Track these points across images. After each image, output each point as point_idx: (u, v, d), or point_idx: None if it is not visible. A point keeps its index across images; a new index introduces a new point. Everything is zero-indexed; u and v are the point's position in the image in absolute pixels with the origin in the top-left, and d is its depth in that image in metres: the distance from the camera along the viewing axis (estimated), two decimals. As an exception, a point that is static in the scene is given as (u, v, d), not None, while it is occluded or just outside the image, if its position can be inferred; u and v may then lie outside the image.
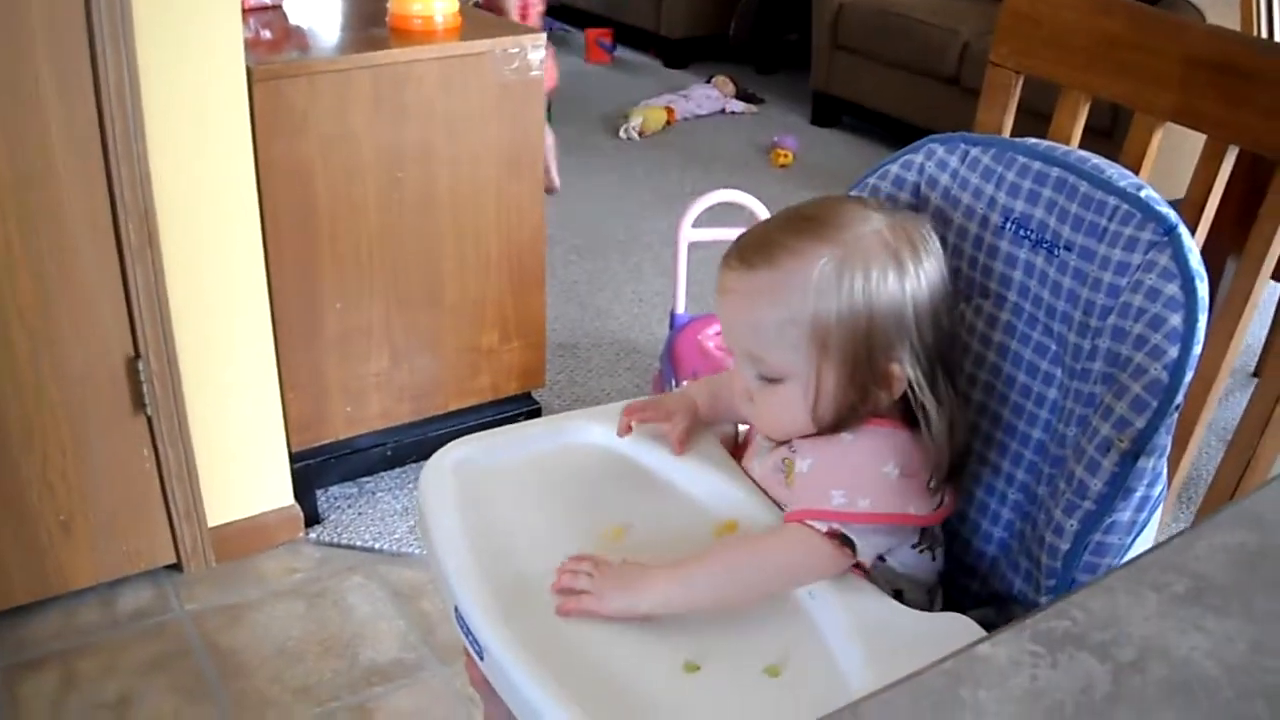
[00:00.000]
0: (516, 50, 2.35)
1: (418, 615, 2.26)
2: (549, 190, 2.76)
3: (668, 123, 5.13)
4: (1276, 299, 2.95)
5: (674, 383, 2.55)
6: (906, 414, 1.17)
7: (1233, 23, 2.61)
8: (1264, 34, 2.58)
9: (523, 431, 1.42)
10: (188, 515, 2.27)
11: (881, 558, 1.17)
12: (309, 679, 2.10)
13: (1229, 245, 1.58)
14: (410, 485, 2.61)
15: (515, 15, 3.15)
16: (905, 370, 1.15)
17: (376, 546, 2.44)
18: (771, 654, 1.08)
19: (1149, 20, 1.46)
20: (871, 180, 1.30)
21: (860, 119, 5.20)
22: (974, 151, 1.23)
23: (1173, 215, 1.08)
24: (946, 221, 1.24)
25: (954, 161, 1.25)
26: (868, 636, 1.08)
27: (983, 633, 1.04)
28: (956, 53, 4.47)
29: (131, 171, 1.95)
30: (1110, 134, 3.43)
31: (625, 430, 1.34)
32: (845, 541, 1.12)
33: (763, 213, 2.48)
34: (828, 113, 5.28)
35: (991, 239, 1.21)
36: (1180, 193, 1.47)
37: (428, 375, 2.54)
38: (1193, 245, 1.07)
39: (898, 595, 1.16)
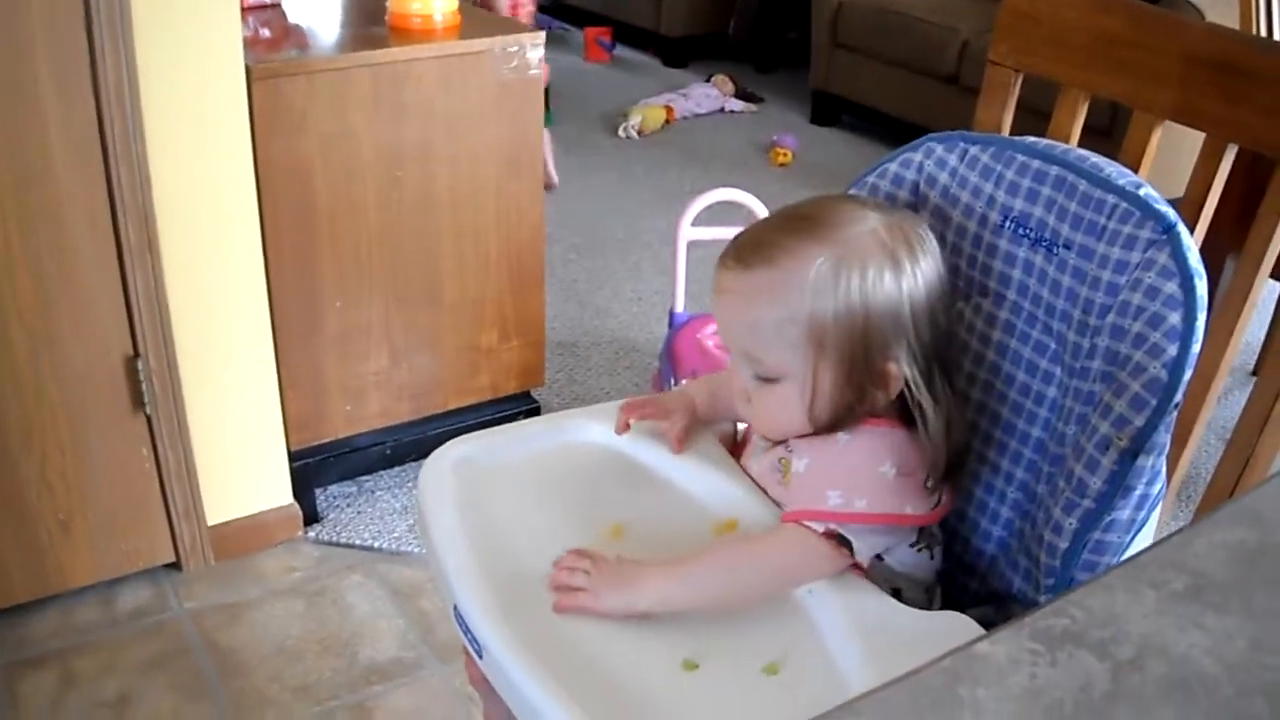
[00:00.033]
0: (516, 49, 2.35)
1: (417, 614, 2.26)
2: (547, 187, 2.76)
3: (667, 121, 5.13)
4: (1276, 297, 2.95)
5: (673, 381, 2.55)
6: (904, 413, 1.17)
7: (1232, 21, 2.61)
8: (1263, 32, 2.58)
9: (522, 430, 1.42)
10: (187, 514, 2.27)
11: (879, 557, 1.17)
12: (308, 678, 2.10)
13: (1228, 244, 1.58)
14: (409, 484, 2.61)
15: (505, 14, 3.15)
16: (902, 370, 1.14)
17: (376, 545, 2.44)
18: (770, 652, 1.08)
19: (1148, 18, 1.46)
20: (871, 179, 1.30)
21: (859, 118, 5.20)
22: (973, 150, 1.23)
23: (1171, 213, 1.08)
24: (946, 220, 1.24)
25: (953, 160, 1.25)
26: (866, 635, 1.07)
27: (982, 631, 1.04)
28: (956, 51, 4.47)
29: (131, 171, 1.95)
30: (1109, 132, 3.42)
31: (623, 428, 1.34)
32: (842, 541, 1.12)
33: (762, 212, 2.48)
34: (827, 111, 5.28)
35: (991, 237, 1.20)
36: (1179, 191, 1.47)
37: (427, 374, 2.53)
38: (1191, 243, 1.06)
39: (896, 594, 1.16)
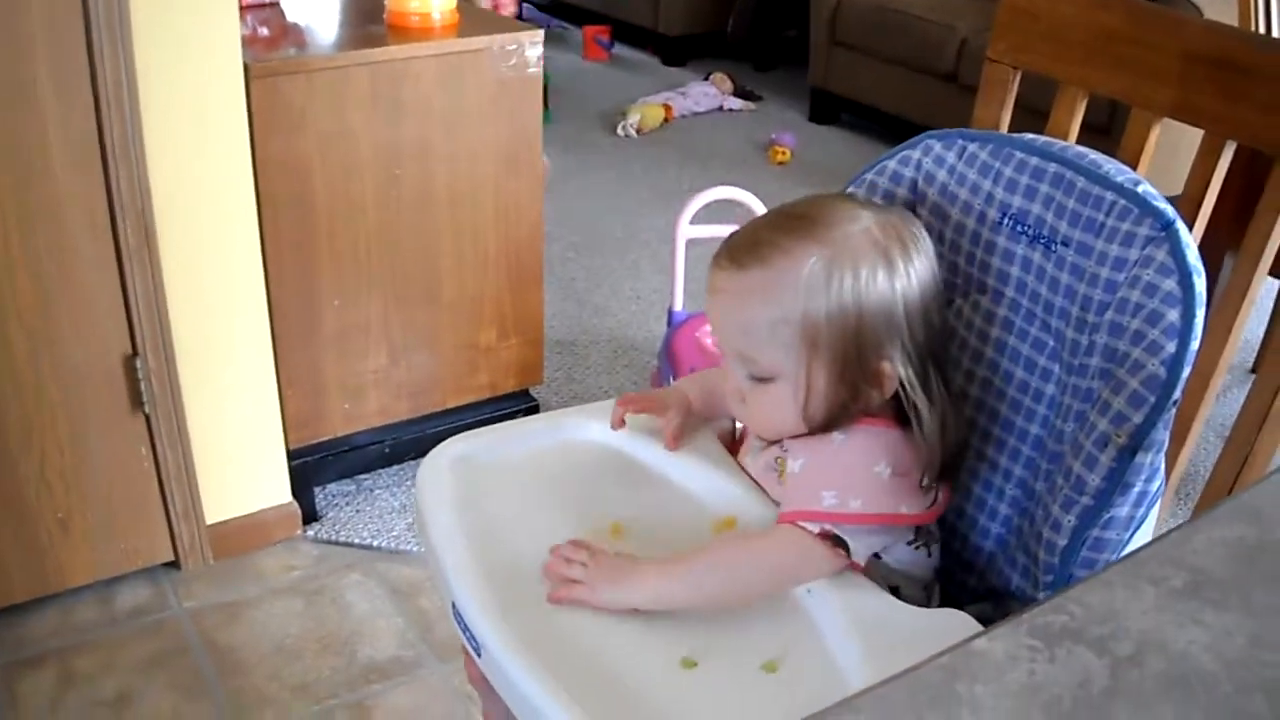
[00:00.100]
0: (514, 47, 2.35)
1: (416, 613, 2.26)
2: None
3: (665, 120, 5.13)
4: (1274, 295, 2.95)
5: (672, 380, 2.55)
6: (899, 413, 1.17)
7: (1230, 18, 2.61)
8: (1262, 29, 2.58)
9: (521, 428, 1.42)
10: (186, 513, 2.27)
11: (877, 555, 1.17)
12: (307, 676, 2.10)
13: (1227, 241, 1.58)
14: (408, 482, 2.61)
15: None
16: (896, 369, 1.14)
17: (374, 544, 2.44)
18: (769, 650, 1.08)
19: (1147, 15, 1.46)
20: (869, 176, 1.30)
21: (858, 116, 5.20)
22: (971, 147, 1.23)
23: (1170, 210, 1.08)
24: (944, 217, 1.24)
25: (951, 157, 1.25)
26: (865, 632, 1.07)
27: (980, 628, 1.04)
28: (954, 49, 4.47)
29: (129, 170, 1.95)
30: (1108, 130, 3.42)
31: (618, 423, 1.34)
32: (838, 542, 1.12)
33: (760, 210, 2.48)
34: (826, 110, 5.28)
35: (989, 235, 1.20)
36: (1178, 189, 1.47)
37: (426, 372, 2.53)
38: (1190, 240, 1.06)
39: (894, 591, 1.16)
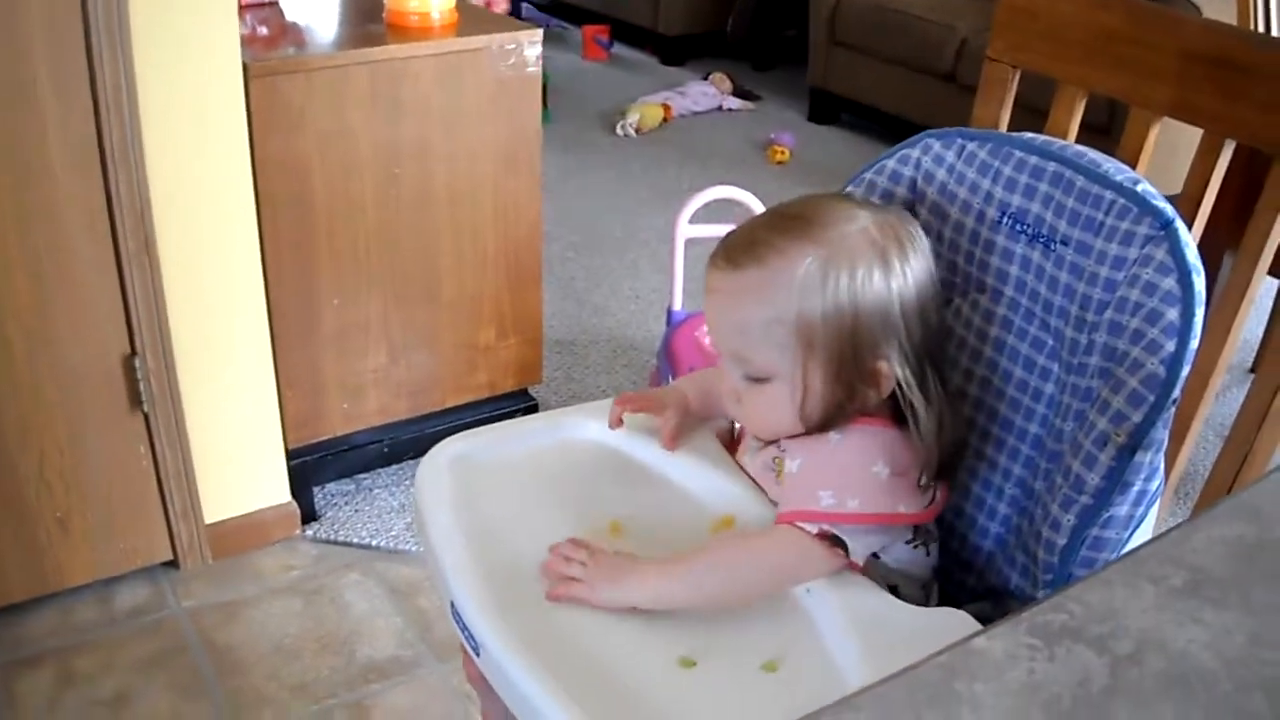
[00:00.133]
0: (513, 46, 2.35)
1: (414, 612, 2.26)
2: None
3: (664, 120, 5.12)
4: (1273, 294, 2.95)
5: (671, 379, 2.55)
6: (896, 412, 1.17)
7: (1228, 17, 2.61)
8: (1260, 28, 2.58)
9: (520, 427, 1.42)
10: (184, 512, 2.26)
11: (876, 554, 1.17)
12: (306, 676, 2.10)
13: (1226, 240, 1.58)
14: (407, 482, 2.61)
15: None
16: (893, 369, 1.14)
17: (373, 543, 2.44)
18: (768, 649, 1.08)
19: (1146, 14, 1.46)
20: (868, 175, 1.30)
21: (857, 116, 5.20)
22: (970, 146, 1.23)
23: (1169, 209, 1.08)
24: (943, 216, 1.24)
25: (951, 156, 1.25)
26: (864, 632, 1.07)
27: (979, 627, 1.04)
28: (953, 49, 4.47)
29: (128, 169, 1.94)
30: (1107, 130, 3.43)
31: (616, 422, 1.34)
32: (836, 542, 1.12)
33: (759, 209, 2.48)
34: (825, 109, 5.28)
35: (988, 234, 1.20)
36: (1177, 188, 1.47)
37: (425, 372, 2.53)
38: (1189, 239, 1.06)
39: (893, 591, 1.15)
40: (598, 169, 4.60)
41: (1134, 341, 1.05)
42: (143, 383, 2.10)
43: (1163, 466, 1.10)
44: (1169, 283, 1.04)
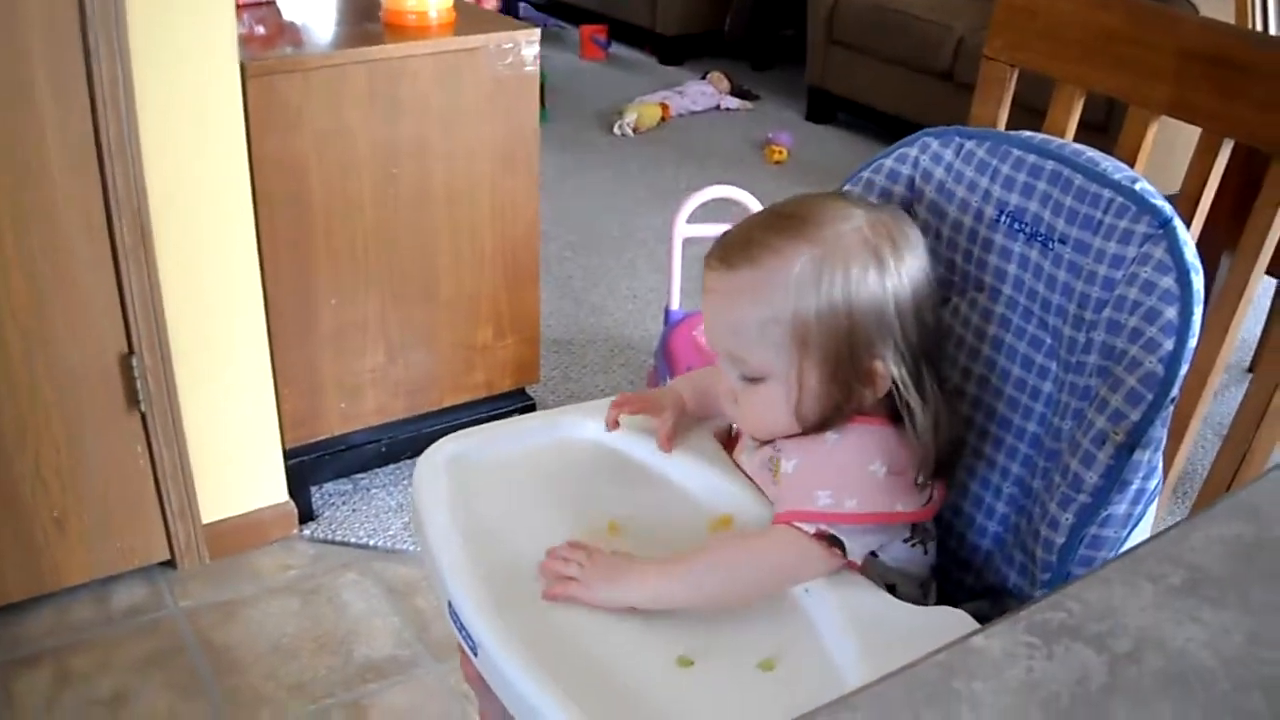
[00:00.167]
0: (510, 45, 2.35)
1: (412, 612, 2.26)
2: None
3: (662, 119, 5.12)
4: (1271, 294, 2.95)
5: (669, 379, 2.55)
6: (892, 411, 1.17)
7: (1226, 16, 2.61)
8: (1259, 27, 2.58)
9: (517, 426, 1.42)
10: (182, 512, 2.26)
11: (874, 553, 1.16)
12: (303, 676, 2.10)
13: (1224, 240, 1.58)
14: (404, 482, 2.61)
15: None
16: (888, 368, 1.14)
17: (371, 543, 2.44)
18: (766, 649, 1.07)
19: (1144, 13, 1.46)
20: (866, 174, 1.30)
21: (855, 115, 5.20)
22: (968, 145, 1.23)
23: (1168, 208, 1.08)
24: (941, 215, 1.24)
25: (948, 155, 1.24)
26: (862, 631, 1.07)
27: (977, 626, 1.04)
28: (951, 48, 4.47)
29: (125, 169, 1.94)
30: (1105, 129, 3.42)
31: (613, 424, 1.34)
32: (834, 541, 1.12)
33: (757, 209, 2.48)
34: (823, 109, 5.28)
35: (986, 232, 1.20)
36: (1175, 188, 1.47)
37: (422, 371, 2.53)
38: (1188, 238, 1.06)
39: (890, 589, 1.15)
40: (595, 168, 4.60)
41: (1132, 340, 1.05)
42: (140, 382, 2.10)
43: (1161, 465, 1.10)
44: (1167, 281, 1.04)
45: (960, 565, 1.28)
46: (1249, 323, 1.61)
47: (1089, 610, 0.68)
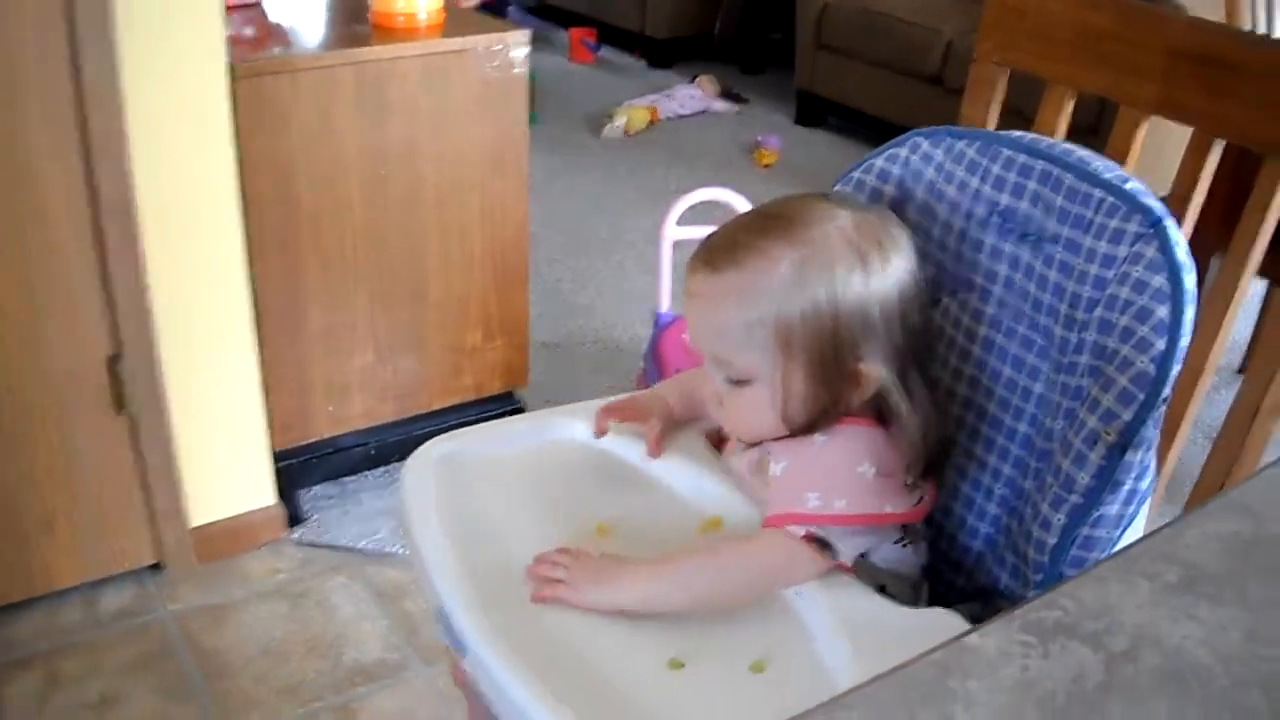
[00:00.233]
0: (499, 48, 2.34)
1: (401, 615, 2.25)
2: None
3: (651, 122, 5.12)
4: (1262, 295, 2.95)
5: (658, 381, 2.54)
6: (881, 412, 1.17)
7: (1215, 16, 2.61)
8: (1249, 26, 2.58)
9: (506, 427, 1.42)
10: (170, 515, 2.25)
11: (864, 554, 1.16)
12: (293, 679, 2.09)
13: (1215, 241, 1.58)
14: (393, 485, 2.60)
15: None
16: (875, 369, 1.14)
17: (359, 546, 2.43)
18: (757, 651, 1.07)
19: (1133, 12, 1.46)
20: (856, 174, 1.30)
21: (844, 118, 5.20)
22: (959, 145, 1.23)
23: (1159, 207, 1.08)
24: (932, 215, 1.24)
25: (939, 155, 1.24)
26: (854, 632, 1.07)
27: (970, 626, 1.03)
28: (940, 52, 4.48)
29: (112, 170, 1.93)
30: (1096, 130, 3.43)
31: (601, 432, 1.34)
32: (824, 544, 1.12)
33: (746, 210, 2.48)
34: (812, 112, 5.28)
35: (977, 232, 1.20)
36: (1166, 189, 1.47)
37: (411, 374, 2.52)
38: (1180, 237, 1.06)
39: (882, 590, 1.15)
40: (585, 170, 4.60)
41: (1124, 339, 1.05)
42: (127, 385, 2.09)
43: (1154, 465, 1.09)
44: (1159, 280, 1.04)
45: (952, 567, 1.28)
46: (1239, 325, 1.61)
47: (1085, 608, 0.68)
